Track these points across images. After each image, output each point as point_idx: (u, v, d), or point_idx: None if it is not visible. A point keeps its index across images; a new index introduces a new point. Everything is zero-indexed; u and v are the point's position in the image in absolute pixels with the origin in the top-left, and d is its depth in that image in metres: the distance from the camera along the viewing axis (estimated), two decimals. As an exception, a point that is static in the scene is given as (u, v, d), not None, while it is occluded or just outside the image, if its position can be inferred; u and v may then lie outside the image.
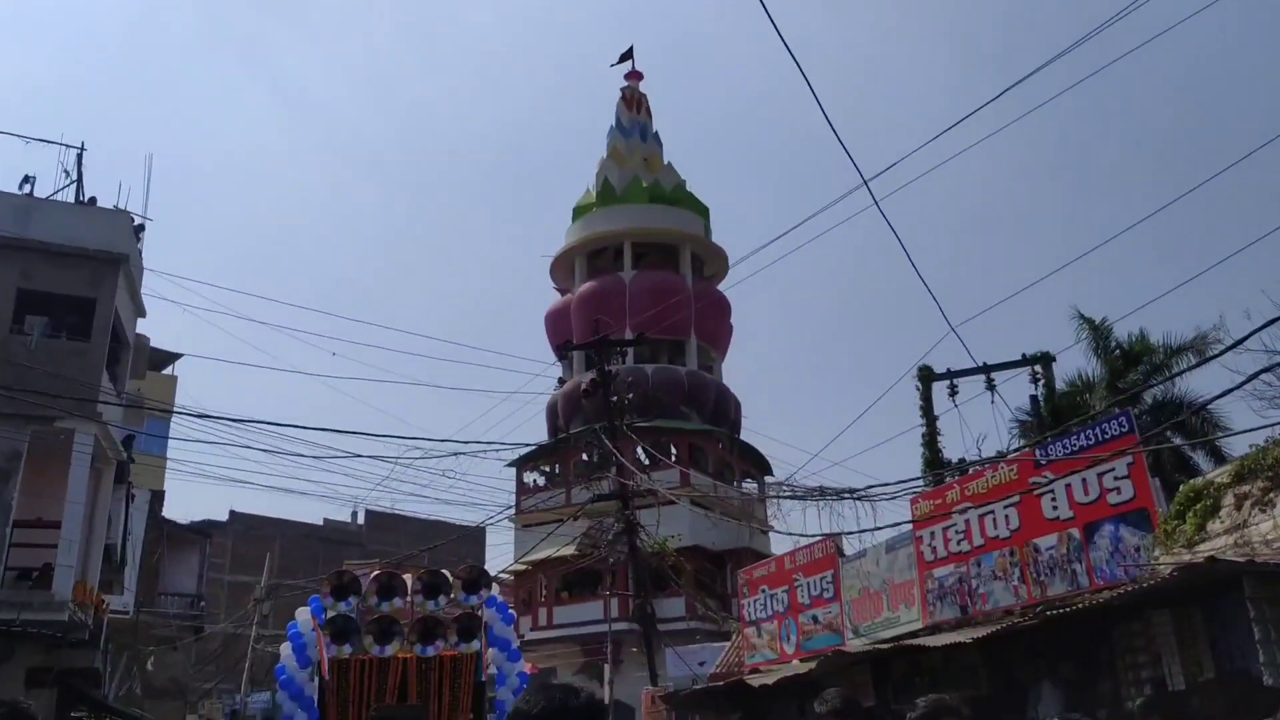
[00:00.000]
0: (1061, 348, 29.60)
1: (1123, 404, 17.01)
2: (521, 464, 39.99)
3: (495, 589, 19.34)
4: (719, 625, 36.06)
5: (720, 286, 41.74)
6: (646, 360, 39.37)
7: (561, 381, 41.84)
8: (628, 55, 44.25)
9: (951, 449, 24.32)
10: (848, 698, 4.08)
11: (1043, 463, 13.60)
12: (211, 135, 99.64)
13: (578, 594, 38.05)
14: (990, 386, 24.02)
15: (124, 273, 21.33)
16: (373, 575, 18.25)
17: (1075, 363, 37.65)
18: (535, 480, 41.56)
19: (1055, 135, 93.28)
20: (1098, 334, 23.37)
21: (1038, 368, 23.65)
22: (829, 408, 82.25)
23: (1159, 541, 11.76)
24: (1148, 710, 11.36)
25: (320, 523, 60.00)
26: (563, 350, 25.85)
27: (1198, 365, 21.44)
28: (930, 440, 24.32)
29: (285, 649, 17.71)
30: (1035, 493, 13.50)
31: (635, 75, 44.63)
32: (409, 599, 18.21)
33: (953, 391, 24.33)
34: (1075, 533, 12.97)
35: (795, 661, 17.78)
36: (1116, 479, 12.48)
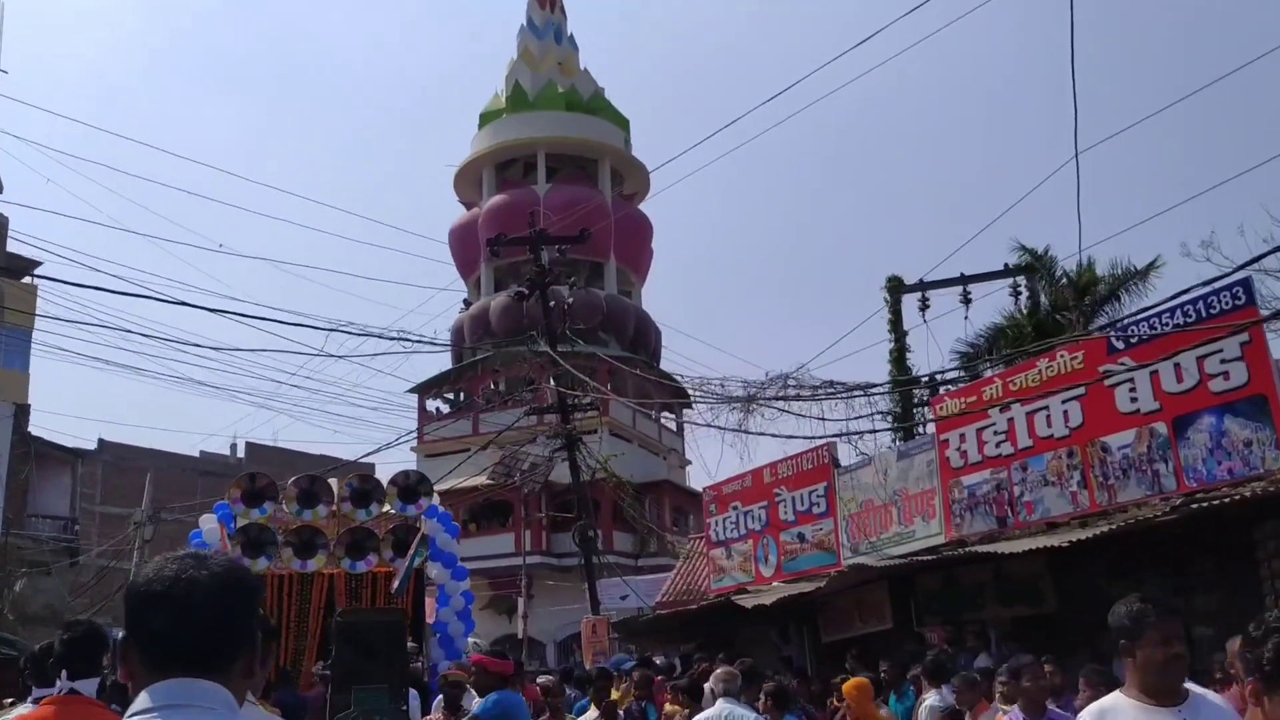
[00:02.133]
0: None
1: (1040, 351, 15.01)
2: (424, 389, 37.01)
3: (436, 498, 16.74)
4: (636, 560, 34.04)
5: (641, 206, 39.16)
6: (558, 284, 36.54)
7: (467, 304, 38.82)
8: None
9: (922, 369, 22.38)
10: None
11: (1120, 346, 11.47)
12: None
13: (485, 527, 35.39)
14: (966, 299, 22.13)
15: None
16: (293, 480, 15.49)
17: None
18: (438, 408, 38.64)
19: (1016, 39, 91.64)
20: (1042, 264, 21.73)
21: (1020, 279, 21.80)
22: (757, 334, 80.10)
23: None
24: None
25: (196, 454, 55.76)
26: (494, 244, 22.70)
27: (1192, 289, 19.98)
28: (899, 357, 22.29)
29: None
30: (1109, 382, 11.35)
31: (549, -29, 41.30)
32: (335, 507, 15.53)
33: (924, 305, 22.35)
34: (1161, 427, 10.87)
35: (776, 584, 15.54)
36: (1224, 361, 10.37)
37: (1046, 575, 11.27)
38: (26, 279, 34.86)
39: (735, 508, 17.06)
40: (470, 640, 16.05)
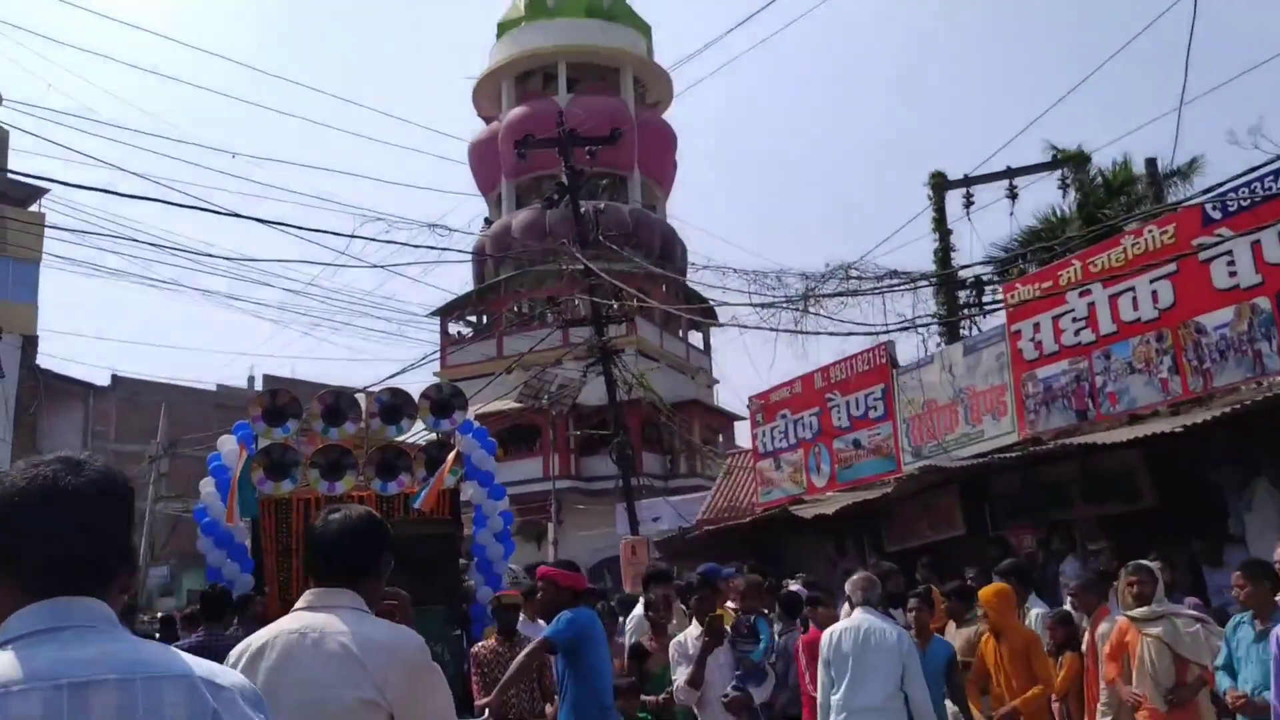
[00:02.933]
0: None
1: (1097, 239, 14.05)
2: (446, 312, 36.28)
3: (470, 412, 16.01)
4: (666, 481, 33.50)
5: (664, 115, 38.02)
6: (585, 197, 35.64)
7: (488, 222, 37.92)
8: None
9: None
10: None
11: (1216, 215, 10.58)
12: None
13: (512, 452, 34.85)
14: (1012, 194, 21.15)
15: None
16: (317, 396, 14.68)
17: (1048, 198, 35.22)
18: (461, 331, 37.96)
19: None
20: (1074, 164, 20.72)
21: (1066, 170, 20.79)
22: (790, 242, 78.53)
23: None
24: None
25: (213, 388, 55.46)
26: (521, 147, 21.79)
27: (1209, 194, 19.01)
28: (944, 256, 21.37)
29: (206, 486, 13.87)
30: (1204, 256, 10.48)
31: None
32: (363, 424, 14.69)
33: (968, 202, 21.38)
34: (1264, 302, 10.01)
35: (830, 494, 14.87)
36: (1339, 225, 9.51)
37: (1143, 469, 10.49)
38: (34, 207, 34.21)
39: (784, 416, 16.33)
40: (509, 565, 15.44)
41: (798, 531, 15.04)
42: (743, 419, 34.24)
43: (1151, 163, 14.59)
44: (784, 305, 13.01)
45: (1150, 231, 11.21)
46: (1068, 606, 7.94)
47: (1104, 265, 11.59)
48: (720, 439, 35.90)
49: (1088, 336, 11.66)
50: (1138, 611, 6.30)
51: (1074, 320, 11.83)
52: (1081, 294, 11.70)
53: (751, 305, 12.81)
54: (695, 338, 39.33)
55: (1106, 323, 11.47)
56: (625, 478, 19.82)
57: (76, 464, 1.57)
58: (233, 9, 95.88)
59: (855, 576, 6.50)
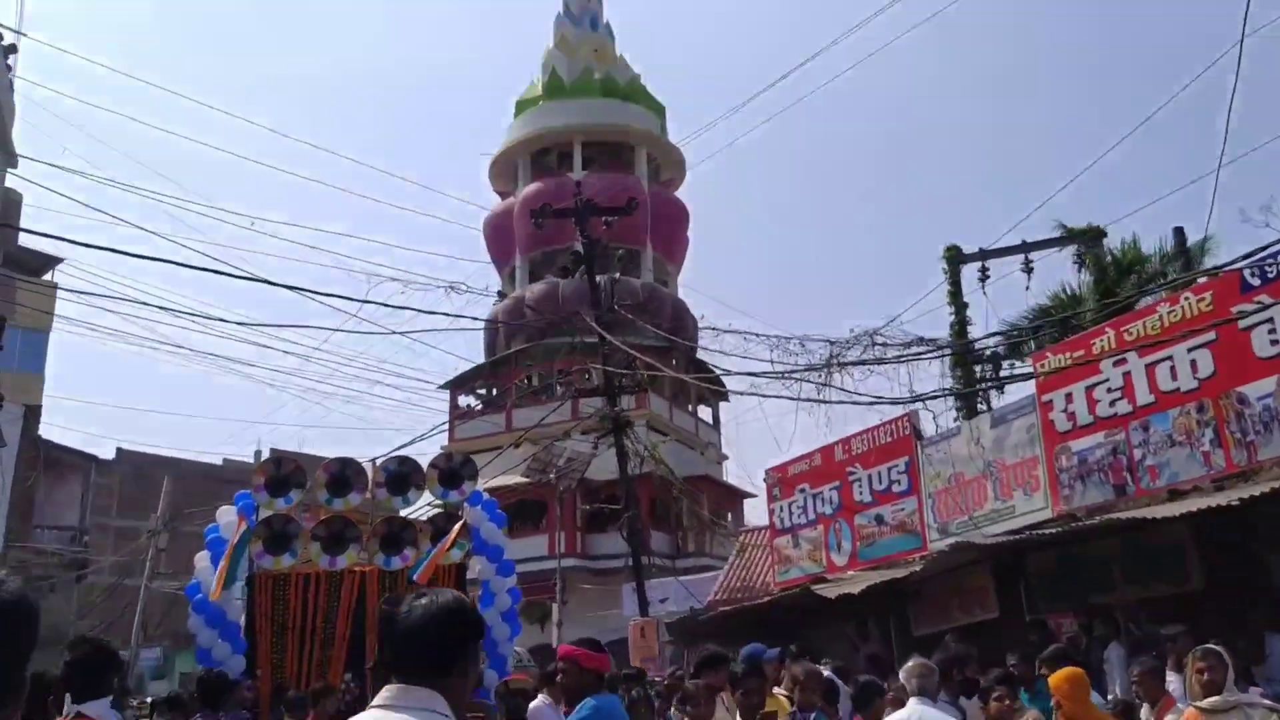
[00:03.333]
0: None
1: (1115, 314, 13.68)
2: (456, 385, 35.90)
3: (486, 477, 15.42)
4: (673, 560, 32.72)
5: (677, 193, 38.00)
6: (600, 268, 35.42)
7: (501, 295, 37.71)
8: (576, -65, 39.86)
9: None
10: None
11: (1255, 282, 10.14)
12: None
13: (518, 528, 34.16)
14: (1027, 268, 20.82)
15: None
16: (323, 464, 14.04)
17: (1060, 275, 34.95)
18: (471, 404, 37.54)
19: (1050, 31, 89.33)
20: (1089, 239, 20.46)
21: (1081, 246, 20.45)
22: (802, 317, 78.01)
23: None
24: None
25: (219, 462, 54.90)
26: (538, 217, 21.56)
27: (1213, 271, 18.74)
28: (960, 329, 20.96)
29: (201, 561, 13.13)
30: (1244, 324, 10.02)
31: (585, -42, 40.27)
32: (369, 494, 14.07)
33: (984, 276, 21.04)
34: (1312, 371, 9.56)
35: (851, 573, 14.24)
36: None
37: (1191, 547, 9.90)
38: (46, 276, 33.98)
39: (802, 490, 15.78)
40: (514, 647, 14.77)
41: (817, 613, 14.38)
42: (753, 496, 33.62)
43: (1179, 231, 14.24)
44: (804, 373, 12.47)
45: (1186, 299, 10.77)
46: (1119, 693, 7.34)
47: (1139, 333, 11.14)
48: (729, 517, 35.20)
49: (1124, 407, 11.16)
50: (1208, 702, 5.70)
51: (1109, 390, 11.35)
52: (1116, 363, 11.23)
53: (773, 374, 12.26)
54: (705, 412, 38.88)
55: (1144, 393, 10.98)
56: (635, 555, 19.17)
57: None
58: (256, 76, 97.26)
59: (910, 664, 5.88)
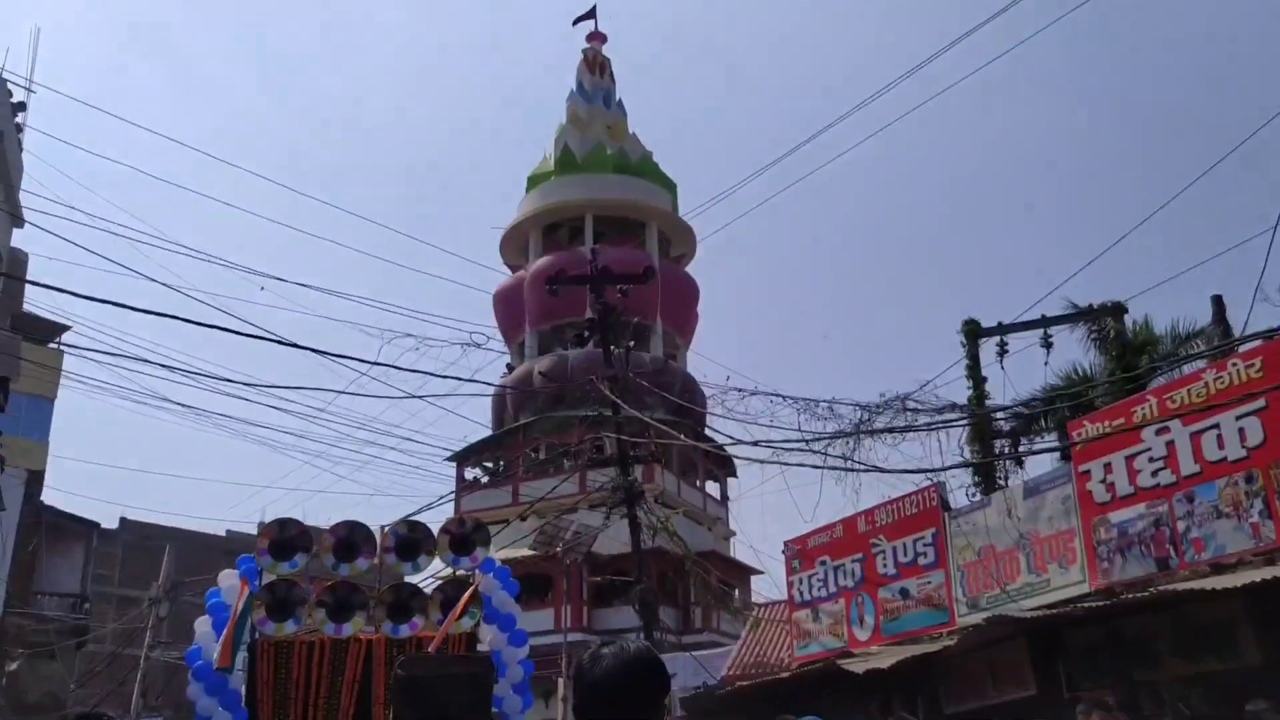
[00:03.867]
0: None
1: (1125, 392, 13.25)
2: (463, 457, 35.31)
3: (492, 549, 14.83)
4: (680, 637, 31.86)
5: (688, 269, 37.84)
6: (614, 338, 35.11)
7: (510, 368, 37.32)
8: (589, 14, 40.15)
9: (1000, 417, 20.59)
10: None
11: (1308, 347, 9.68)
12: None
13: (525, 602, 33.26)
14: (1047, 343, 20.40)
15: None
16: (330, 527, 13.54)
17: (1069, 355, 34.56)
18: (477, 476, 36.92)
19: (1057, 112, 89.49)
20: (1092, 324, 20.18)
21: (1107, 320, 20.06)
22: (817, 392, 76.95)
23: None
24: None
25: (223, 534, 54.10)
26: (552, 284, 21.24)
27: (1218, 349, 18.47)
28: (979, 403, 20.47)
29: (202, 626, 12.46)
30: (1296, 390, 9.53)
31: (598, 37, 40.52)
32: (377, 560, 13.49)
33: (1002, 351, 20.62)
34: (1368, 440, 9.06)
35: (874, 648, 13.56)
36: None
37: (1244, 621, 9.30)
38: (52, 344, 33.53)
39: (823, 562, 15.15)
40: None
41: (837, 689, 13.67)
42: (760, 573, 32.82)
43: (1218, 300, 13.83)
44: (831, 440, 11.93)
45: (1234, 364, 10.30)
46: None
47: (1183, 401, 10.65)
48: (736, 593, 34.35)
49: (1167, 478, 10.62)
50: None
51: (1151, 460, 10.82)
52: (1159, 431, 10.73)
53: (792, 444, 11.73)
54: (712, 488, 38.23)
55: (1188, 463, 10.45)
56: (647, 627, 18.40)
57: None
58: (264, 146, 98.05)
59: None
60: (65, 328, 34.16)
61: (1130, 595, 9.86)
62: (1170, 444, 10.63)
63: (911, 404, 11.78)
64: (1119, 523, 11.02)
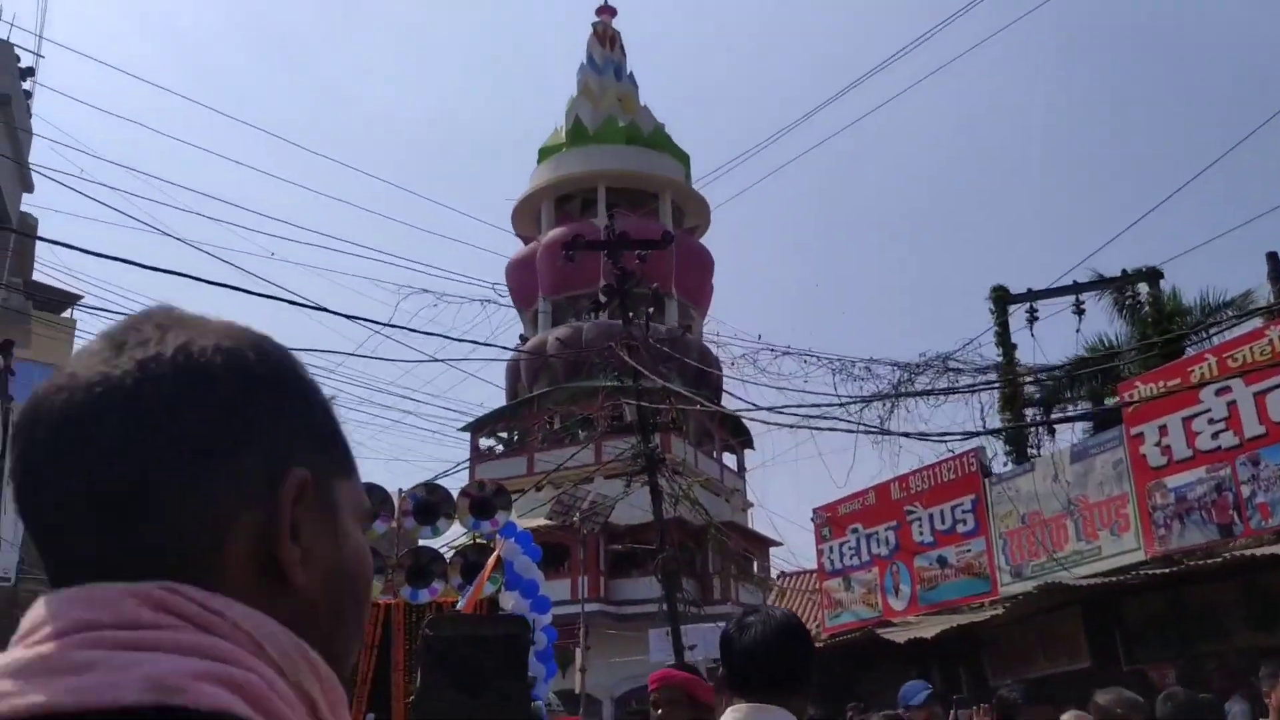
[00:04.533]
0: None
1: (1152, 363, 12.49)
2: (477, 428, 34.70)
3: (514, 513, 14.22)
4: (700, 608, 31.34)
5: (702, 240, 37.11)
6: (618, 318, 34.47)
7: (524, 339, 36.66)
8: (600, -13, 39.32)
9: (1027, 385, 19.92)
10: None
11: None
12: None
13: (542, 572, 32.81)
14: (1079, 309, 19.67)
15: (2, 119, 15.88)
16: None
17: (1094, 325, 33.89)
18: (492, 446, 36.37)
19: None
20: (1121, 292, 19.41)
21: (1140, 286, 19.31)
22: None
23: None
24: None
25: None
26: (569, 249, 20.51)
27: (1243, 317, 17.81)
28: (1008, 372, 19.75)
29: None
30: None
31: (608, 10, 39.69)
32: (395, 523, 12.94)
33: (1032, 318, 19.89)
34: None
35: (912, 618, 12.92)
36: None
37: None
38: (66, 313, 32.90)
39: (855, 530, 14.50)
40: (548, 691, 13.50)
41: (870, 660, 13.05)
42: (779, 544, 32.19)
43: (1273, 256, 13.10)
44: (868, 403, 11.23)
45: (1302, 320, 9.60)
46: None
47: (1245, 359, 9.94)
48: (755, 566, 33.78)
49: (1229, 440, 9.93)
50: None
51: (1210, 422, 10.12)
52: (1219, 391, 10.02)
53: (830, 407, 11.05)
54: (729, 459, 37.61)
55: (1252, 424, 9.76)
56: (670, 597, 17.76)
57: None
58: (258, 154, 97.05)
59: (1066, 716, 4.62)
60: (78, 297, 33.44)
61: (1195, 562, 9.17)
62: (1232, 404, 9.94)
63: (953, 363, 11.06)
64: (1176, 488, 10.34)
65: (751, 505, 36.64)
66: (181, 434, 0.61)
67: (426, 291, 15.86)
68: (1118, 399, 11.46)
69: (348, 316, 15.84)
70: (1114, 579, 10.11)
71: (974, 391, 11.33)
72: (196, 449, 0.61)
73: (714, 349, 20.92)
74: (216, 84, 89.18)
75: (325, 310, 11.75)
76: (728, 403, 29.76)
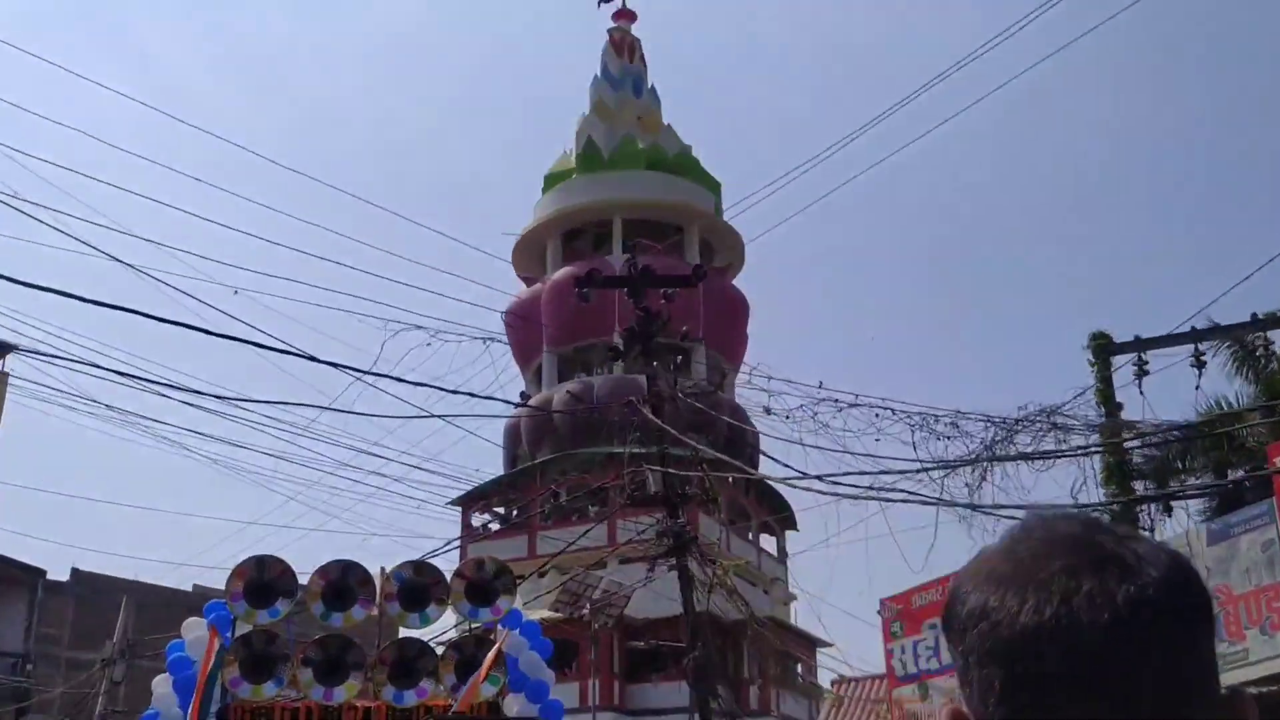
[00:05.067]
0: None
1: None
2: (469, 501, 34.16)
3: (519, 599, 13.62)
4: (733, 718, 30.55)
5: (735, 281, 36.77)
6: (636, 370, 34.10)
7: (525, 398, 36.18)
8: (618, -11, 39.45)
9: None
10: None
11: None
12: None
13: (543, 675, 32.11)
14: (1198, 362, 19.04)
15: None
16: (318, 568, 12.62)
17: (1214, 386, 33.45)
18: (486, 523, 35.85)
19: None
20: (1243, 347, 18.97)
21: (1269, 335, 18.71)
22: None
23: None
24: None
25: (189, 588, 53.16)
26: (583, 286, 19.94)
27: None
28: (1114, 433, 19.09)
29: (161, 685, 11.93)
30: None
31: (626, 15, 39.77)
32: (375, 608, 12.58)
33: (1140, 371, 19.24)
34: None
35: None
36: None
37: None
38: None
39: (934, 627, 13.69)
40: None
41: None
42: (828, 645, 31.26)
43: None
44: (954, 467, 10.52)
45: None
46: None
47: None
48: (799, 669, 32.89)
49: None
50: None
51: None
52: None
53: (906, 473, 10.31)
54: (767, 542, 36.88)
55: None
56: (704, 706, 16.96)
57: None
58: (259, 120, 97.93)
59: None
60: (12, 347, 33.05)
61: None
62: None
63: (1060, 418, 10.34)
64: (1347, 575, 9.55)
65: (794, 598, 35.81)
66: None
67: (419, 328, 15.34)
68: (1256, 468, 10.71)
69: (325, 362, 15.16)
70: (1266, 689, 9.32)
71: (1088, 454, 10.59)
72: None
73: (757, 404, 20.36)
74: (187, 107, 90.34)
75: (293, 353, 11.20)
76: (770, 471, 29.17)
